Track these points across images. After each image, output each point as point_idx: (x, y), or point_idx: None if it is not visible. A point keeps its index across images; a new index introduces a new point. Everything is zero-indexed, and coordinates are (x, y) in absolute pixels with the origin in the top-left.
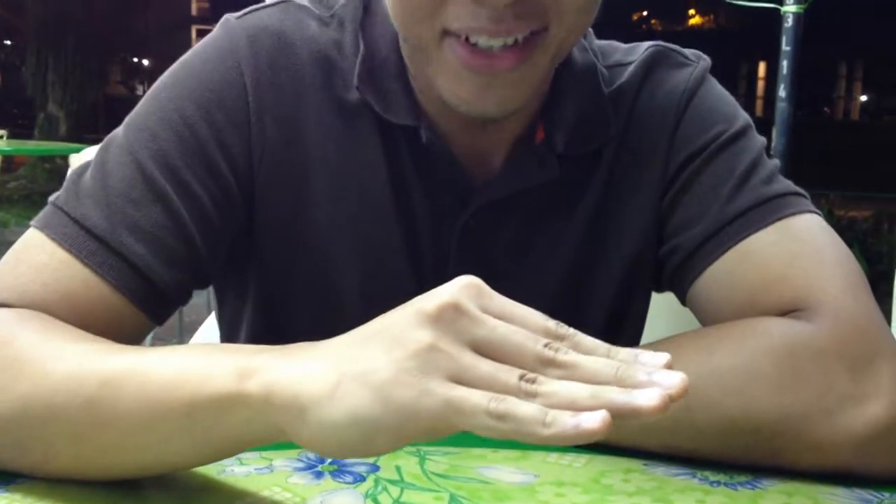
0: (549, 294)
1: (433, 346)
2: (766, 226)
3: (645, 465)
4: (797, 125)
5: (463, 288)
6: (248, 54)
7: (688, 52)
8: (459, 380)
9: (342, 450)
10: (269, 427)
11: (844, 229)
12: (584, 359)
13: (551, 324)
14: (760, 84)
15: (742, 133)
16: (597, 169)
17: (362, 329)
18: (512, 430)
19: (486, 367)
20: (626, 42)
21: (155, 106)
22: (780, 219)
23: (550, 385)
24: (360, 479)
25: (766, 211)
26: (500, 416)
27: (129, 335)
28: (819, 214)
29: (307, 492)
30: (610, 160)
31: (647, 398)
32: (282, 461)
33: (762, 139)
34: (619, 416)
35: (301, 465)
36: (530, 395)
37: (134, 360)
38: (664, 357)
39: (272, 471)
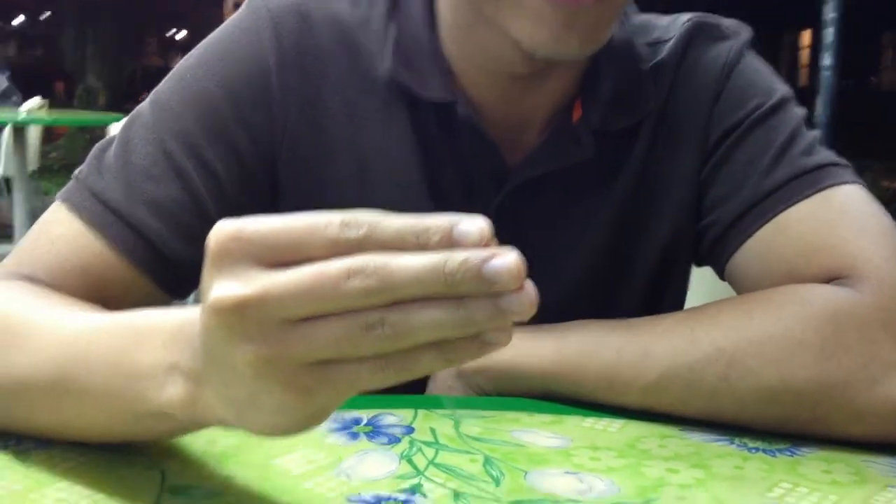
0: (587, 271)
1: (259, 359)
2: (805, 198)
3: (682, 430)
4: (842, 94)
5: (223, 263)
6: (272, 35)
7: (727, 23)
8: (314, 361)
9: (278, 434)
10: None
11: (890, 200)
12: (403, 276)
13: (333, 231)
14: (804, 53)
15: (780, 105)
16: (634, 145)
17: (206, 356)
18: (417, 375)
19: (324, 337)
20: (667, 12)
21: (180, 84)
22: (819, 190)
23: (403, 324)
24: (396, 440)
25: (806, 183)
26: (399, 377)
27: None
28: (862, 185)
29: (343, 452)
30: (648, 136)
31: (518, 304)
32: None
33: (802, 110)
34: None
35: (337, 425)
36: (393, 342)
37: (69, 363)
38: (479, 224)
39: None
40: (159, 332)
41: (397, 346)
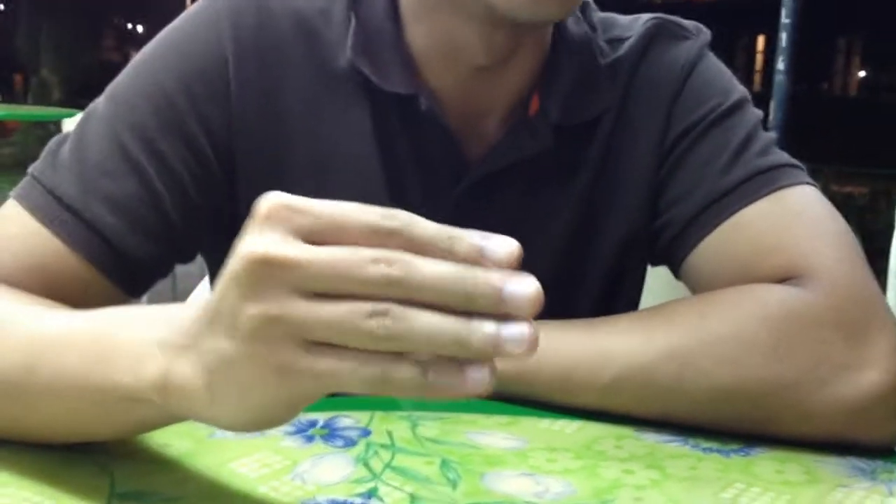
0: (546, 265)
1: (263, 318)
2: (760, 198)
3: (637, 431)
4: (795, 99)
5: (266, 225)
6: (229, 26)
7: (688, 24)
8: (312, 339)
9: (245, 430)
10: (173, 416)
11: (840, 205)
12: (426, 274)
13: (378, 217)
14: (759, 57)
15: (738, 107)
16: (593, 141)
17: (206, 310)
18: (392, 392)
19: (328, 313)
20: (626, 14)
21: (136, 78)
22: (774, 190)
23: (405, 322)
24: (352, 443)
25: (761, 183)
26: (377, 383)
27: (102, 306)
28: (815, 186)
29: (298, 455)
30: (606, 133)
31: (513, 342)
32: None
33: (758, 112)
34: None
35: (292, 428)
36: (387, 339)
37: (56, 334)
38: (511, 246)
39: (263, 434)
40: (142, 316)
41: (391, 343)
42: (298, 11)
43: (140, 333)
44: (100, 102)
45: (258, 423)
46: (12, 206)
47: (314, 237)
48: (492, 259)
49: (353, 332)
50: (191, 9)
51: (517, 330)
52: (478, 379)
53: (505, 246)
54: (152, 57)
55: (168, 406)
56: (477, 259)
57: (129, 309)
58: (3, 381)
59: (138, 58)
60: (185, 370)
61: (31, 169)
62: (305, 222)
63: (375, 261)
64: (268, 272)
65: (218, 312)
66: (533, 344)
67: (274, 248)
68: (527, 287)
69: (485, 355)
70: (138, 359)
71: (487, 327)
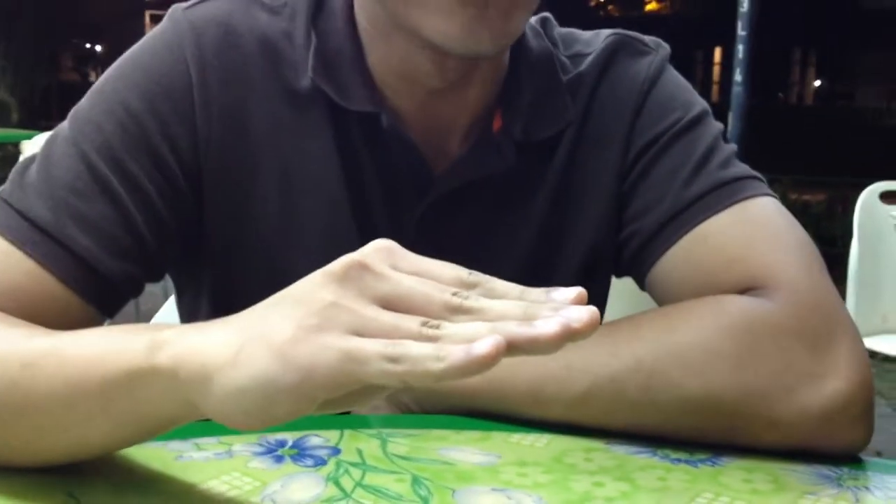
0: (510, 280)
1: (334, 303)
2: (722, 209)
3: (607, 443)
4: (752, 110)
5: (374, 250)
6: (193, 45)
7: (647, 39)
8: (361, 333)
9: (247, 418)
10: (180, 401)
11: (798, 213)
12: (493, 303)
13: (464, 273)
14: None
15: (699, 120)
16: (555, 157)
17: (274, 296)
18: (407, 370)
19: (387, 318)
20: (584, 28)
21: (101, 98)
22: (736, 202)
23: (451, 328)
24: (322, 462)
25: (723, 195)
26: (395, 359)
27: (77, 327)
28: (775, 197)
29: (267, 476)
30: (569, 148)
31: (545, 326)
32: (241, 446)
33: (719, 125)
34: (519, 347)
35: (261, 449)
36: (430, 339)
37: (53, 342)
38: (575, 291)
39: (231, 456)
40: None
41: (435, 340)
42: (262, 32)
43: (147, 329)
44: (65, 125)
45: (259, 410)
46: None
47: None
48: (557, 301)
49: (400, 334)
50: (154, 29)
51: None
52: (482, 347)
53: (571, 292)
54: (117, 77)
55: (175, 388)
56: (544, 303)
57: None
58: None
59: (103, 79)
60: (216, 337)
61: None
62: (404, 264)
63: (456, 294)
64: (359, 274)
65: (291, 294)
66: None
67: (373, 259)
68: (583, 309)
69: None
70: (151, 346)
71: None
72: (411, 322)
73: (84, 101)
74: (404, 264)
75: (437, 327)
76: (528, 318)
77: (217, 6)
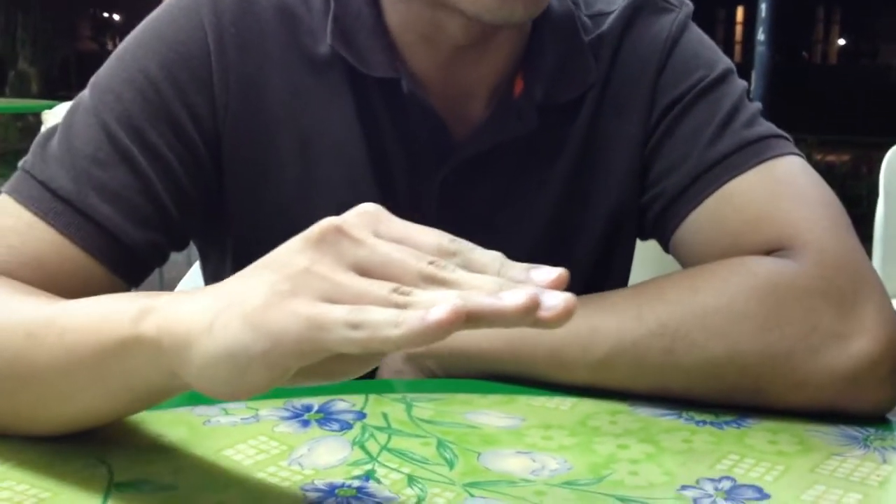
0: (533, 244)
1: (307, 268)
2: (748, 169)
3: (631, 406)
4: (776, 69)
5: (356, 214)
6: (211, 13)
7: None
8: (332, 299)
9: (223, 386)
10: (165, 370)
11: (823, 173)
12: (469, 276)
13: (446, 240)
14: (738, 29)
15: (723, 78)
16: (578, 118)
17: (257, 261)
18: (367, 337)
19: (359, 284)
20: None
21: (120, 67)
22: (762, 161)
23: (420, 295)
24: (348, 426)
25: (748, 154)
26: (356, 325)
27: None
28: (801, 156)
29: (294, 440)
30: (592, 109)
31: (511, 298)
32: (268, 410)
33: (743, 83)
34: (482, 317)
35: (287, 413)
36: (398, 306)
37: (54, 311)
38: (556, 272)
39: (258, 420)
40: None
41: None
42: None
43: (141, 297)
44: (85, 94)
45: (232, 379)
46: (5, 201)
47: (388, 240)
48: (536, 282)
49: (369, 300)
50: None
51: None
52: (438, 313)
53: (552, 272)
54: (135, 46)
55: (160, 357)
56: (523, 282)
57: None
58: (2, 350)
59: (122, 47)
60: (199, 304)
61: (21, 163)
62: (386, 229)
63: (432, 263)
64: (336, 238)
65: (271, 258)
66: (567, 307)
67: (352, 224)
68: (558, 296)
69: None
70: (139, 314)
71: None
72: (382, 288)
73: (104, 69)
74: (386, 229)
75: (408, 294)
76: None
77: None
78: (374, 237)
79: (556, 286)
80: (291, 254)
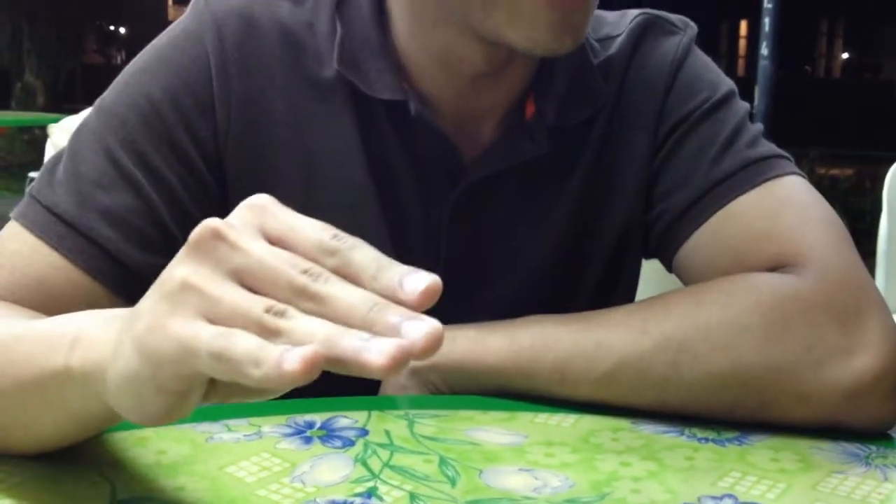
0: (542, 265)
1: (184, 281)
2: (750, 188)
3: (633, 422)
4: (779, 83)
5: (241, 210)
6: (214, 38)
7: (675, 18)
8: (208, 315)
9: (132, 414)
10: (98, 399)
11: (826, 188)
12: (339, 292)
13: (327, 236)
14: (742, 43)
15: (726, 99)
16: (587, 140)
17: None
18: (230, 370)
19: (234, 299)
20: (610, 7)
21: (124, 91)
22: (764, 181)
23: (295, 321)
24: (350, 443)
25: (751, 174)
26: (218, 356)
27: None
28: (803, 176)
29: (296, 457)
30: (600, 131)
31: (378, 353)
32: (270, 427)
33: (745, 104)
34: (347, 367)
35: (290, 430)
36: (272, 333)
37: (10, 335)
38: (426, 281)
39: (261, 437)
40: (102, 311)
41: (280, 338)
42: (283, 24)
43: (71, 318)
44: (91, 117)
45: (134, 407)
46: (11, 227)
47: (274, 239)
48: (406, 292)
49: (241, 320)
50: (178, 20)
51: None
52: (291, 363)
53: (423, 282)
54: (140, 71)
55: (90, 389)
56: (395, 291)
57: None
58: None
59: (127, 71)
60: (105, 333)
61: (29, 189)
62: (271, 224)
63: (306, 272)
64: (213, 244)
65: (162, 274)
66: (435, 337)
67: (229, 225)
68: (423, 328)
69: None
70: (72, 343)
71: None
72: (255, 307)
73: (109, 93)
74: (273, 223)
75: (283, 314)
76: (369, 324)
77: None
78: (254, 237)
79: (427, 297)
80: (172, 267)
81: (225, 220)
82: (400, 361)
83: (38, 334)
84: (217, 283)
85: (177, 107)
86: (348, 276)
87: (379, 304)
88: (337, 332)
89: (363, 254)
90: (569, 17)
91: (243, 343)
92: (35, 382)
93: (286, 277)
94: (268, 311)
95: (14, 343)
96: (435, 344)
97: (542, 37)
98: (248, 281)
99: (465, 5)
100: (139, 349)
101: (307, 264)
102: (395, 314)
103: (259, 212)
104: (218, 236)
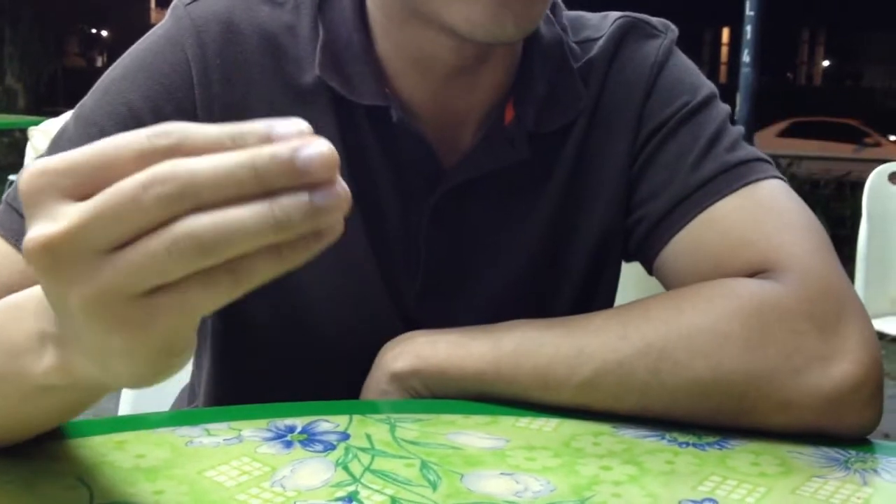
0: (522, 268)
1: (84, 299)
2: (730, 192)
3: (614, 427)
4: (761, 90)
5: (31, 204)
6: (194, 44)
7: (656, 21)
8: (137, 290)
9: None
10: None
11: (807, 194)
12: (205, 172)
13: (140, 142)
14: (724, 50)
15: (706, 103)
16: (566, 144)
17: (47, 300)
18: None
19: (136, 261)
20: (592, 10)
21: (104, 99)
22: (744, 185)
23: (213, 234)
24: (331, 447)
25: (731, 178)
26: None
27: None
28: (783, 180)
29: (277, 461)
30: (581, 134)
31: (332, 198)
32: (251, 431)
33: (726, 107)
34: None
35: (270, 434)
36: (203, 256)
37: None
38: (297, 123)
39: (241, 441)
40: (30, 301)
41: (216, 258)
42: (264, 28)
43: (31, 326)
44: (70, 123)
45: (154, 374)
46: None
47: (86, 189)
48: (281, 137)
49: (174, 267)
50: (157, 26)
51: (329, 191)
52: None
53: (293, 126)
54: (120, 77)
55: (79, 389)
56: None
57: (26, 291)
58: None
59: (106, 77)
60: (78, 359)
61: (4, 196)
62: (68, 181)
63: (145, 185)
64: (56, 254)
65: (58, 314)
66: (347, 196)
67: (48, 227)
68: (317, 147)
69: (308, 224)
70: (37, 354)
71: (298, 201)
72: (162, 246)
73: (88, 100)
74: (66, 180)
75: (191, 236)
76: (265, 183)
77: (218, 1)
78: (71, 212)
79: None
80: (52, 295)
81: (31, 227)
82: (328, 159)
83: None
84: (104, 273)
85: (157, 114)
86: (192, 152)
87: (259, 159)
88: (272, 216)
89: (205, 133)
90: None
91: (255, 273)
92: (14, 391)
93: (137, 210)
94: (174, 245)
95: None
96: (335, 159)
97: (479, 19)
98: (115, 243)
99: None
100: (146, 368)
101: (140, 178)
102: (281, 152)
103: (44, 184)
104: (48, 249)
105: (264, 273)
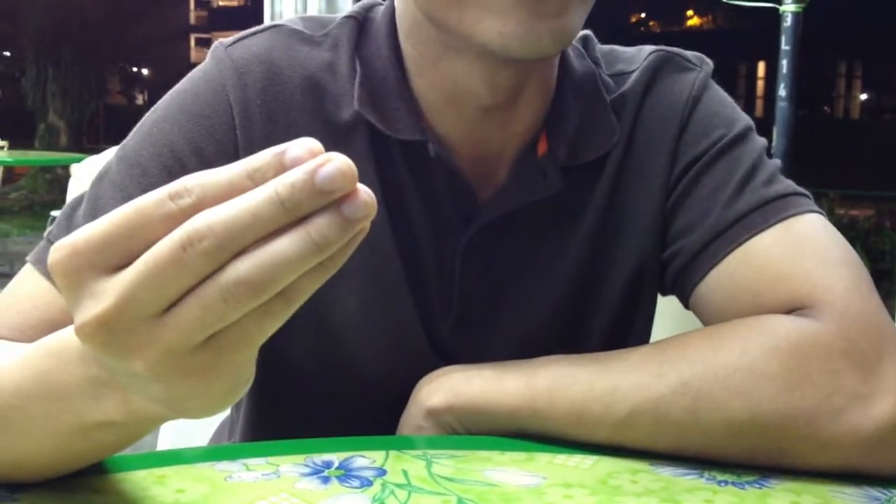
0: (556, 304)
1: (149, 366)
2: (768, 227)
3: (652, 465)
4: (798, 124)
5: (70, 287)
6: (236, 86)
7: (690, 55)
8: (194, 342)
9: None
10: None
11: (846, 228)
12: (233, 221)
13: (165, 208)
14: (760, 84)
15: (742, 136)
16: (601, 177)
17: (107, 368)
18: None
19: (190, 317)
20: (626, 45)
21: (146, 140)
22: (782, 219)
23: (260, 277)
24: (368, 483)
25: (768, 212)
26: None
27: None
28: (822, 214)
29: (314, 497)
30: (614, 169)
31: (360, 207)
32: (288, 466)
33: (763, 140)
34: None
35: (308, 470)
36: (251, 299)
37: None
38: (308, 143)
39: (279, 476)
40: (70, 349)
41: (270, 293)
42: (304, 67)
43: (80, 373)
44: (112, 164)
45: (225, 401)
46: (27, 269)
47: (120, 260)
48: (295, 161)
49: (228, 313)
50: (199, 67)
51: (355, 201)
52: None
53: (303, 146)
54: (163, 118)
55: (142, 422)
56: (283, 171)
57: (60, 337)
58: None
59: (148, 119)
60: (139, 401)
61: (46, 233)
62: (101, 257)
63: (183, 245)
64: (111, 330)
65: (116, 372)
66: (372, 201)
67: (97, 307)
68: (334, 164)
69: (343, 236)
70: (93, 397)
71: (330, 219)
72: (214, 298)
73: (130, 140)
74: (97, 256)
75: (239, 284)
76: (295, 212)
77: (258, 42)
78: (114, 286)
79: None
80: (113, 366)
81: (76, 310)
82: (347, 173)
83: (46, 394)
84: (163, 334)
85: (199, 155)
86: (215, 202)
87: (282, 188)
88: (310, 242)
89: (218, 179)
90: (539, 8)
91: (303, 291)
92: (73, 429)
93: (182, 271)
94: (225, 294)
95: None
96: (352, 170)
97: (514, 31)
98: (162, 308)
99: (441, 9)
100: (218, 399)
101: (177, 240)
102: (302, 179)
103: (76, 265)
104: (102, 326)
105: (311, 287)
